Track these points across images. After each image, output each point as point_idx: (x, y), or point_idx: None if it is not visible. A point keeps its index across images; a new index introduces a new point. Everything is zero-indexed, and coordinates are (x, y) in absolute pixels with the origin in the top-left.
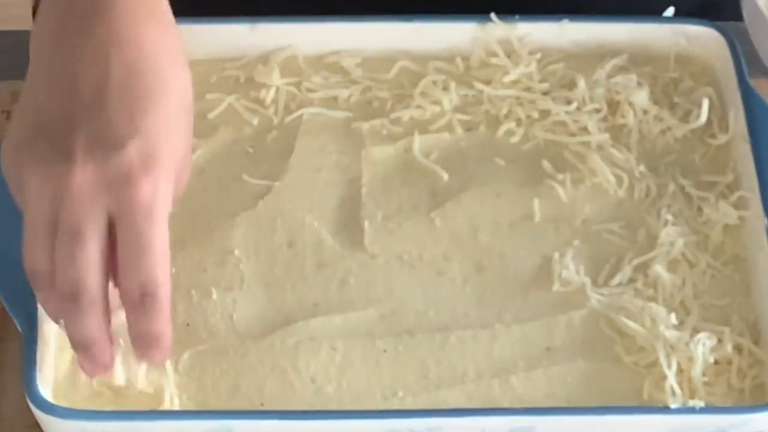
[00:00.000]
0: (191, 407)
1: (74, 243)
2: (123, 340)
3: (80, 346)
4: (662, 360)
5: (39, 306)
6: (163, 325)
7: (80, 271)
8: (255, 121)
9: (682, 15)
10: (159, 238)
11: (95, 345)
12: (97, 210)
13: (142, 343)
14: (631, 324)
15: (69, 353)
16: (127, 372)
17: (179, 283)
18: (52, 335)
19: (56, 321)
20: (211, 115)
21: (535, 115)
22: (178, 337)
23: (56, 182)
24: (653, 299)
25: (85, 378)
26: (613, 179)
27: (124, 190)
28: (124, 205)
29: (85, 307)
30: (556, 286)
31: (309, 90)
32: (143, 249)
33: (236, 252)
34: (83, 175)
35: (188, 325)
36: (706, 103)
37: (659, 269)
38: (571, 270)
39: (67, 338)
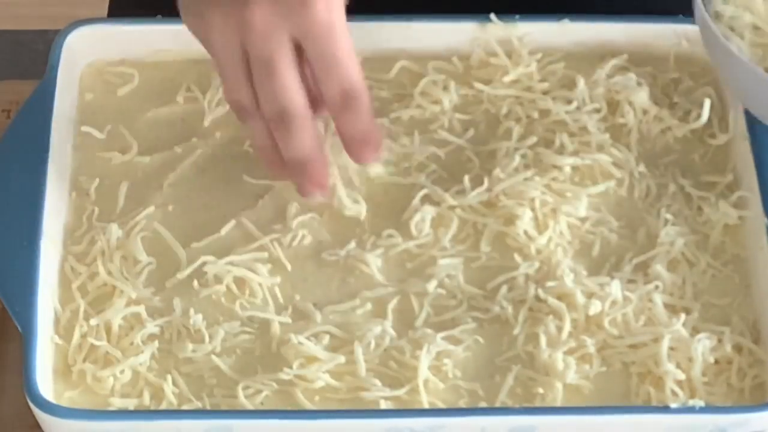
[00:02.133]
0: None
1: (271, 71)
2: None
3: (297, 166)
4: (662, 360)
5: (39, 306)
6: (370, 121)
7: (284, 95)
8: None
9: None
10: (346, 47)
11: (312, 162)
12: (283, 38)
13: (356, 144)
14: (630, 324)
15: (69, 353)
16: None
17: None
18: (51, 335)
19: (265, 152)
20: (211, 115)
21: (535, 114)
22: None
23: (239, 20)
24: (653, 299)
25: (84, 378)
26: (612, 179)
27: (303, 14)
28: (306, 27)
29: (298, 126)
30: (556, 284)
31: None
32: (335, 59)
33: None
34: (261, 8)
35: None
36: (707, 103)
37: (659, 269)
38: (569, 269)
39: (65, 340)
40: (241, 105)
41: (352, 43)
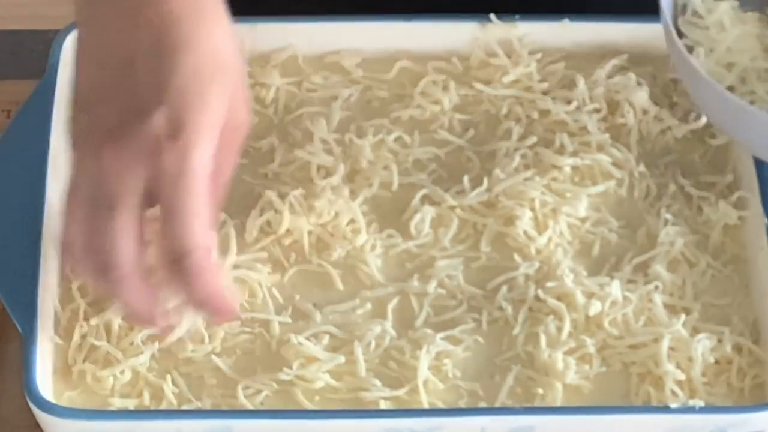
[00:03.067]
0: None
1: (108, 216)
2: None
3: (131, 315)
4: (662, 360)
5: (39, 306)
6: (206, 286)
7: (111, 245)
8: (255, 121)
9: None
10: (189, 202)
11: (134, 310)
12: (130, 183)
13: (200, 308)
14: (630, 324)
15: (69, 353)
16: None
17: None
18: (51, 335)
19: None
20: None
21: (535, 114)
22: None
23: (92, 159)
24: (653, 299)
25: (84, 378)
26: (612, 179)
27: (153, 160)
28: (155, 174)
29: (117, 281)
30: (556, 285)
31: (309, 90)
32: (174, 215)
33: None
34: (115, 150)
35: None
36: None
37: (659, 269)
38: (569, 270)
39: (65, 340)
40: (69, 245)
41: (203, 197)
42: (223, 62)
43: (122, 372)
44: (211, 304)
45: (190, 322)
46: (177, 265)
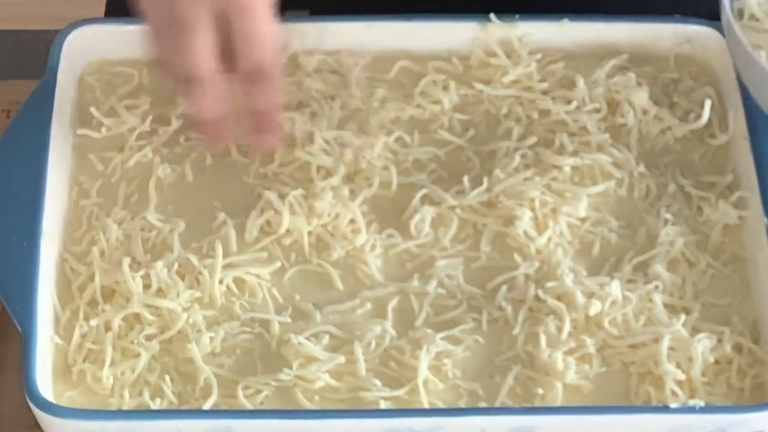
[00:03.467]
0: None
1: (184, 33)
2: None
3: (200, 123)
4: (662, 360)
5: (39, 306)
6: (275, 98)
7: (192, 57)
8: None
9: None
10: (265, 24)
11: (211, 122)
12: (204, 8)
13: (258, 122)
14: (630, 324)
15: (69, 353)
16: None
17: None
18: (51, 335)
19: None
20: None
21: (535, 115)
22: None
23: None
24: (653, 299)
25: (84, 378)
26: (612, 179)
27: None
28: (227, 4)
29: (199, 88)
30: (556, 285)
31: (309, 90)
32: (253, 34)
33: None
34: None
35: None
36: (707, 103)
37: (659, 269)
38: (569, 270)
39: (65, 340)
40: (158, 60)
41: (273, 28)
42: None
43: (122, 372)
44: (273, 119)
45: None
46: (255, 76)
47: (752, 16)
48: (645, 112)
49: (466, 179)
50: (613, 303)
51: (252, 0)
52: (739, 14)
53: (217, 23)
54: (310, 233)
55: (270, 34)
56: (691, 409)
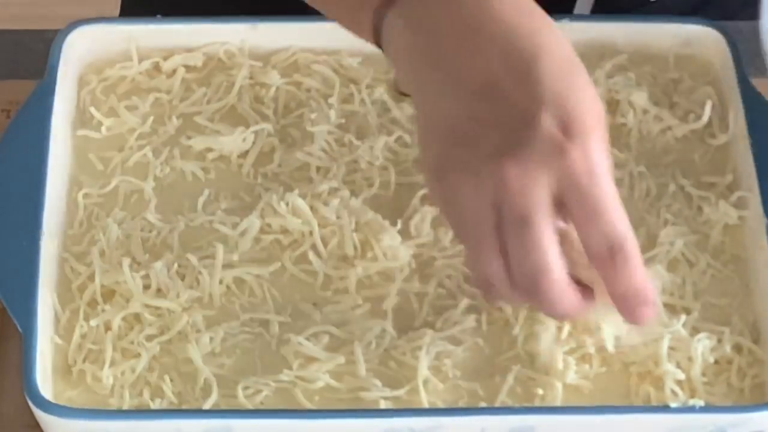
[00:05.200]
0: None
1: (526, 230)
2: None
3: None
4: (662, 360)
5: (39, 306)
6: (641, 276)
7: (539, 254)
8: (255, 121)
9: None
10: (610, 194)
11: (565, 314)
12: (540, 193)
13: (628, 303)
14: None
15: (69, 353)
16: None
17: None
18: (51, 335)
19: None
20: (210, 115)
21: None
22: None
23: (493, 182)
24: None
25: (84, 378)
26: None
27: (559, 163)
28: (565, 176)
29: (555, 288)
30: None
31: (309, 90)
32: (599, 208)
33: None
34: (516, 165)
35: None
36: (708, 104)
37: (659, 269)
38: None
39: (65, 340)
40: (494, 277)
41: (616, 189)
42: (571, 55)
43: (122, 372)
44: (646, 295)
45: (612, 325)
46: (609, 259)
47: None
48: (645, 112)
49: None
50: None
51: (590, 165)
52: None
53: (555, 204)
54: (310, 233)
55: (617, 197)
56: (691, 409)
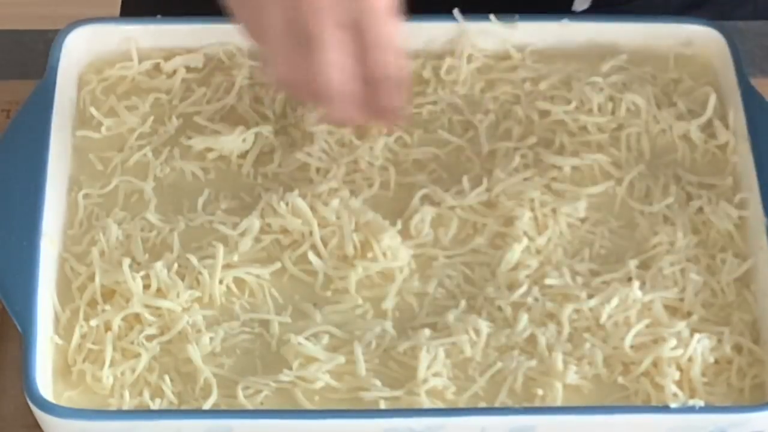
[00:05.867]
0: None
1: (313, 49)
2: None
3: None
4: (663, 360)
5: (39, 306)
6: (398, 98)
7: (325, 74)
8: (255, 121)
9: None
10: (392, 26)
11: (340, 120)
12: (335, 17)
13: (380, 115)
14: (630, 324)
15: (69, 353)
16: None
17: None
18: (51, 335)
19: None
20: (210, 115)
21: (535, 115)
22: None
23: None
24: (653, 299)
25: (84, 378)
26: (612, 179)
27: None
28: (362, 9)
29: (333, 103)
30: (556, 285)
31: None
32: (384, 42)
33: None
34: None
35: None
36: (712, 98)
37: (659, 269)
38: (569, 269)
39: (65, 340)
40: (286, 80)
41: (398, 27)
42: None
43: (122, 372)
44: (394, 112)
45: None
46: (381, 80)
47: None
48: (645, 112)
49: (465, 179)
50: (614, 303)
51: (379, 3)
52: None
53: (344, 32)
54: (310, 233)
55: (397, 34)
56: (691, 409)
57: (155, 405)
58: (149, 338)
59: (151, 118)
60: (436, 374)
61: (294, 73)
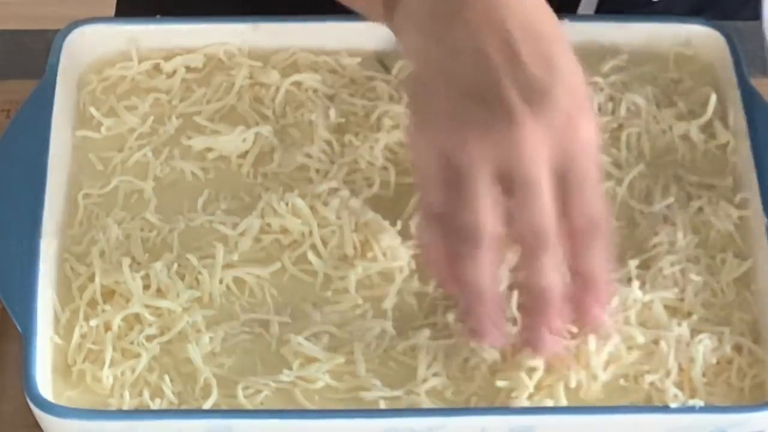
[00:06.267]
0: None
1: (532, 193)
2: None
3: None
4: (663, 360)
5: (39, 306)
6: (603, 262)
7: (543, 218)
8: (255, 121)
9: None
10: (598, 174)
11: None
12: (546, 158)
13: (583, 285)
14: (630, 324)
15: (69, 353)
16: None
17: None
18: (51, 335)
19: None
20: (210, 115)
21: None
22: None
23: (502, 140)
24: (653, 300)
25: (84, 378)
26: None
27: (569, 134)
28: (571, 148)
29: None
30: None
31: (309, 90)
32: (593, 184)
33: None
34: (529, 129)
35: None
36: (713, 98)
37: (659, 269)
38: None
39: (65, 340)
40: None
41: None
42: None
43: (122, 372)
44: (603, 290)
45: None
46: (587, 233)
47: None
48: (645, 112)
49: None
50: (614, 303)
51: (594, 139)
52: None
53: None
54: (310, 233)
55: (600, 180)
56: (691, 409)
57: (155, 405)
58: (149, 338)
59: (151, 118)
60: (435, 374)
61: (441, 204)
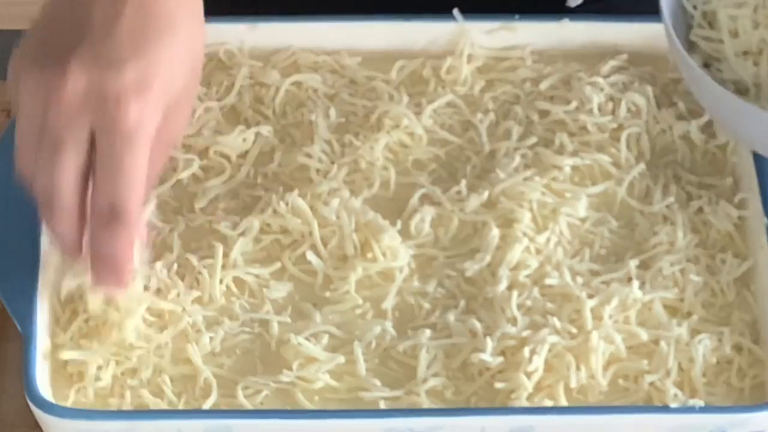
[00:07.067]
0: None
1: (54, 151)
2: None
3: (60, 249)
4: (663, 360)
5: (39, 306)
6: (124, 249)
7: (55, 178)
8: (255, 121)
9: None
10: (136, 163)
11: (68, 251)
12: (81, 122)
13: (100, 265)
14: (630, 324)
15: (68, 353)
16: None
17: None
18: (51, 335)
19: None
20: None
21: (535, 115)
22: None
23: (49, 88)
24: (653, 299)
25: (83, 378)
26: (612, 179)
27: (111, 109)
28: (108, 124)
29: (57, 213)
30: (556, 285)
31: (309, 90)
32: (119, 170)
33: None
34: (74, 86)
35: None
36: None
37: (659, 269)
38: (569, 269)
39: (64, 340)
40: (24, 175)
41: (145, 163)
42: (197, 55)
43: (122, 372)
44: (117, 267)
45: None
46: (106, 219)
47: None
48: (645, 112)
49: (464, 184)
50: (614, 303)
51: (134, 131)
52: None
53: (92, 143)
54: (310, 233)
55: (142, 170)
56: (691, 409)
57: (155, 405)
58: (149, 338)
59: None
60: (435, 374)
61: (30, 166)
